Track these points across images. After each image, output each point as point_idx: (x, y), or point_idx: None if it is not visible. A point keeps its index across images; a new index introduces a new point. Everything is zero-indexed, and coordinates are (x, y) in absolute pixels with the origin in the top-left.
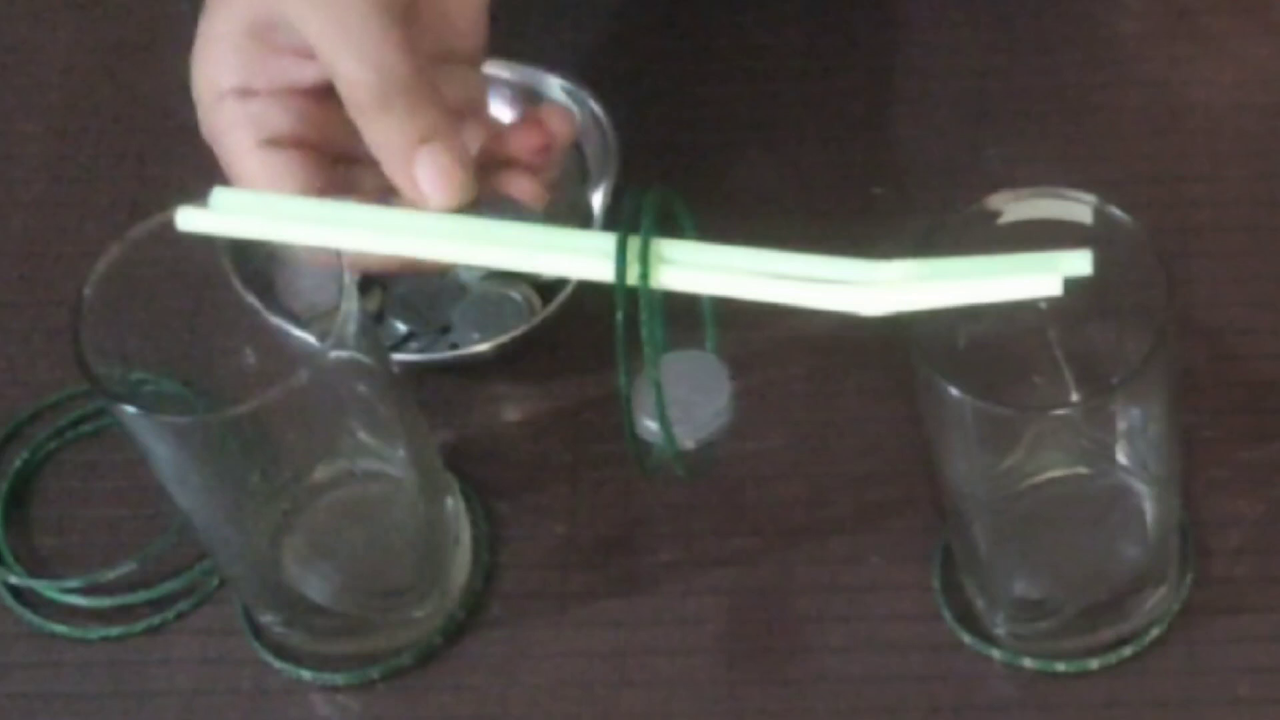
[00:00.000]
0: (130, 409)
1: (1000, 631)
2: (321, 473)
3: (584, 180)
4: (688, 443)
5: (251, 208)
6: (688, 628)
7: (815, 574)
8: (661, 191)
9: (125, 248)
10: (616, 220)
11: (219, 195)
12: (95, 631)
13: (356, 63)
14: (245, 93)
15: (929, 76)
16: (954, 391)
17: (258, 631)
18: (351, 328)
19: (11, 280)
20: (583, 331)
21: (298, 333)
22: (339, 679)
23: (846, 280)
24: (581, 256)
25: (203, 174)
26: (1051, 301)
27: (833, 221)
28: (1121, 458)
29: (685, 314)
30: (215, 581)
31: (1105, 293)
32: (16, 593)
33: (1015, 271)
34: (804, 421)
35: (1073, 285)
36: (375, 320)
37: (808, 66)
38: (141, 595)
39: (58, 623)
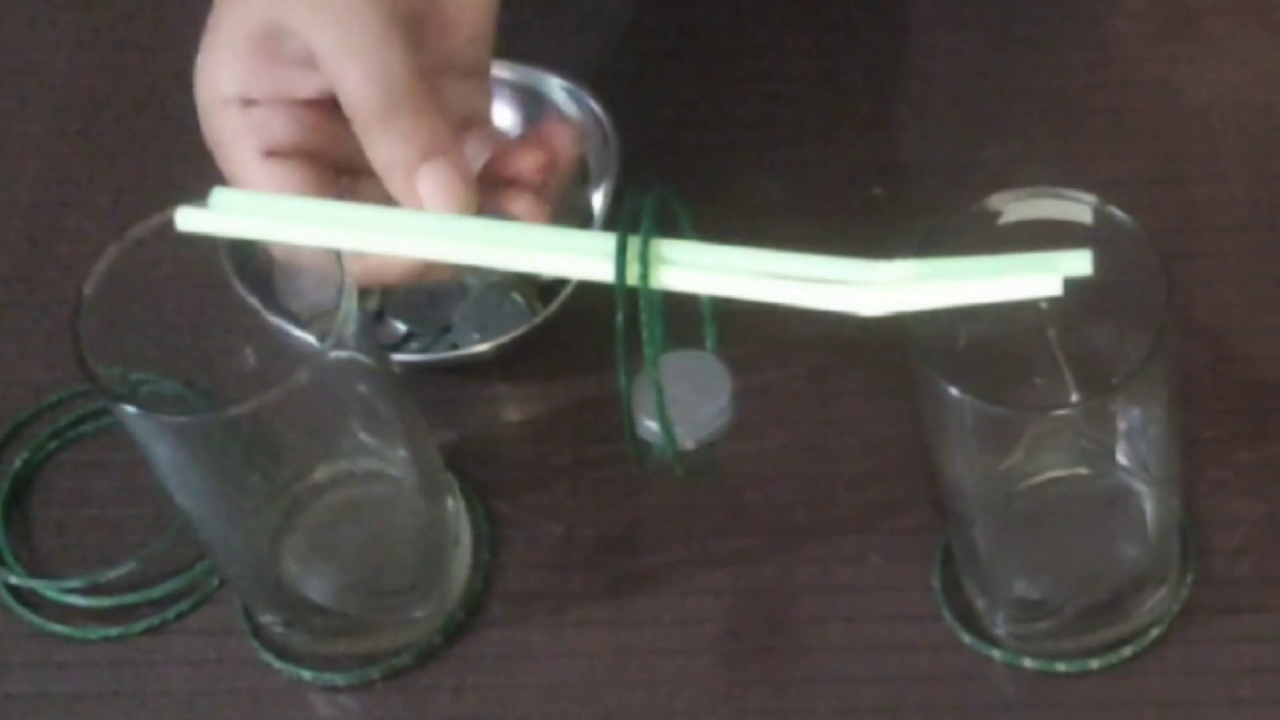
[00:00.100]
0: (130, 409)
1: (1000, 631)
2: (321, 473)
3: (584, 180)
4: (688, 443)
5: (251, 208)
6: (688, 628)
7: (815, 574)
8: (661, 191)
9: (125, 248)
10: (616, 220)
11: (219, 195)
12: (95, 631)
13: (361, 77)
14: (249, 101)
15: (929, 77)
16: (954, 391)
17: (258, 631)
18: (351, 328)
19: (11, 280)
20: (583, 331)
21: (298, 333)
22: (339, 679)
23: (846, 280)
24: (581, 256)
25: (203, 174)
26: (1051, 301)
27: (833, 221)
28: (1121, 458)
29: (685, 314)
30: (215, 581)
31: (1105, 293)
32: (16, 593)
33: (1015, 271)
34: (804, 421)
35: (1073, 285)
36: (375, 320)
37: (808, 67)
38: (141, 595)
39: (58, 623)
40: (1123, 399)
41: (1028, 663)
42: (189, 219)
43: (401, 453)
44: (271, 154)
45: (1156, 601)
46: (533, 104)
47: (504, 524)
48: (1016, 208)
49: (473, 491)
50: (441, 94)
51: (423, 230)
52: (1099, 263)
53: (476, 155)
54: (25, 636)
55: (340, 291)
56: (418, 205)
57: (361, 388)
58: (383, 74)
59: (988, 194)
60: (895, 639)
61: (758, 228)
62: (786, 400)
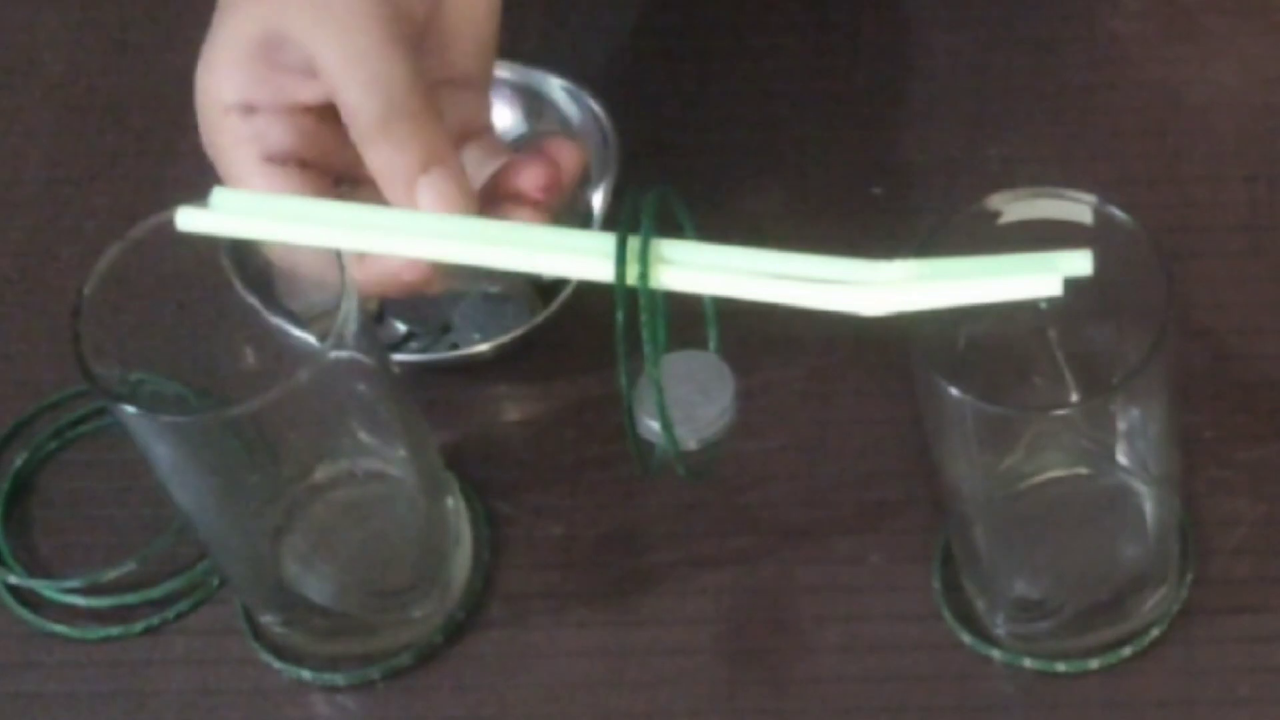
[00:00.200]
0: (130, 409)
1: (1000, 631)
2: (321, 473)
3: (584, 180)
4: (690, 443)
5: (251, 208)
6: (688, 628)
7: (815, 574)
8: (661, 191)
9: (125, 248)
10: (616, 220)
11: (219, 195)
12: (95, 631)
13: (361, 88)
14: (248, 109)
15: (929, 77)
16: (954, 392)
17: (258, 631)
18: (352, 328)
19: (11, 280)
20: (583, 331)
21: (298, 333)
22: (339, 679)
23: (846, 280)
24: (581, 256)
25: (203, 174)
26: (1051, 301)
27: (833, 221)
28: (1121, 458)
29: (687, 314)
30: (215, 581)
31: (1105, 293)
32: (16, 593)
33: (1015, 271)
34: (804, 421)
35: (1073, 285)
36: (375, 320)
37: (808, 67)
38: (141, 595)
39: (58, 623)
40: (1123, 399)
41: (1027, 663)
42: (189, 219)
43: (401, 453)
44: (271, 161)
45: (1156, 601)
46: (533, 104)
47: (504, 524)
48: (1016, 208)
49: (473, 491)
50: (442, 104)
51: (423, 230)
52: (1099, 263)
53: (477, 164)
54: (25, 636)
55: (340, 292)
56: None
57: (361, 388)
58: (383, 84)
59: (988, 194)
60: (895, 639)
61: (758, 227)
62: (787, 400)
